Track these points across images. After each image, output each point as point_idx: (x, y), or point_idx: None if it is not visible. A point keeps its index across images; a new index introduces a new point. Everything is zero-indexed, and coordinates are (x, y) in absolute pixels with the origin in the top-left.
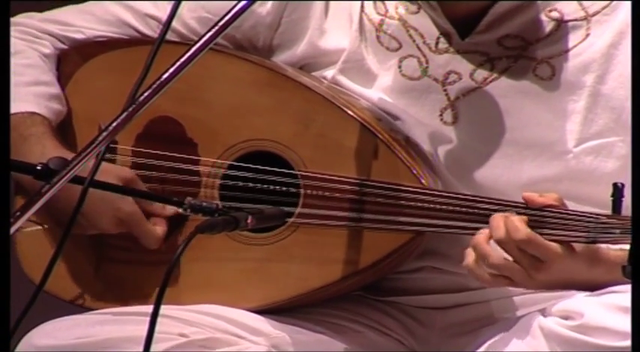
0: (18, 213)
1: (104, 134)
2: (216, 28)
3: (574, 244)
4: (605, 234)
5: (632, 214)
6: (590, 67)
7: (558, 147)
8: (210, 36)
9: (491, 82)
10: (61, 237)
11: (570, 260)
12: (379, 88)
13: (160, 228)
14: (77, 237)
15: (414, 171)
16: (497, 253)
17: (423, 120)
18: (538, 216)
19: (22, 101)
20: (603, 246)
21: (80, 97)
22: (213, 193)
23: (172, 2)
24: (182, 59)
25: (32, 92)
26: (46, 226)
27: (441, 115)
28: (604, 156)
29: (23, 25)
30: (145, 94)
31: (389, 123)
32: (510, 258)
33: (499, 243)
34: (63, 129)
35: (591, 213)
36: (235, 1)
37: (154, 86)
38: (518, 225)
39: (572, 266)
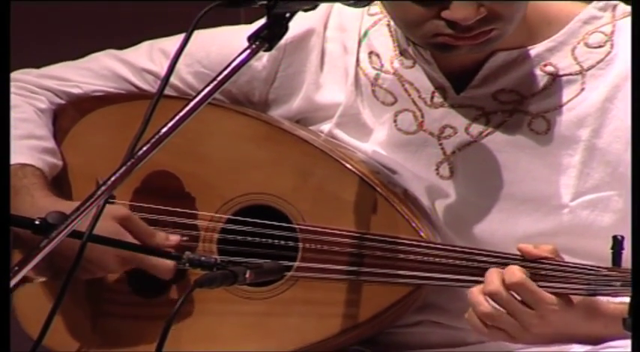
0: (16, 268)
1: (103, 188)
2: (215, 82)
3: (573, 297)
4: (606, 287)
5: (632, 266)
6: (585, 121)
7: (554, 201)
8: (209, 90)
9: (486, 136)
10: (60, 291)
11: (567, 312)
12: (375, 142)
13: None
14: (74, 291)
15: (413, 224)
16: (489, 303)
17: (420, 174)
18: (537, 268)
19: (14, 153)
20: (603, 298)
21: (77, 152)
22: (211, 247)
23: (169, 56)
24: (181, 113)
25: (25, 145)
26: (43, 279)
27: (437, 169)
28: (600, 210)
29: (20, 80)
30: (144, 149)
31: (387, 176)
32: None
33: (492, 295)
34: (59, 183)
35: (592, 266)
36: (232, 55)
37: (153, 140)
38: (514, 269)
39: (569, 318)
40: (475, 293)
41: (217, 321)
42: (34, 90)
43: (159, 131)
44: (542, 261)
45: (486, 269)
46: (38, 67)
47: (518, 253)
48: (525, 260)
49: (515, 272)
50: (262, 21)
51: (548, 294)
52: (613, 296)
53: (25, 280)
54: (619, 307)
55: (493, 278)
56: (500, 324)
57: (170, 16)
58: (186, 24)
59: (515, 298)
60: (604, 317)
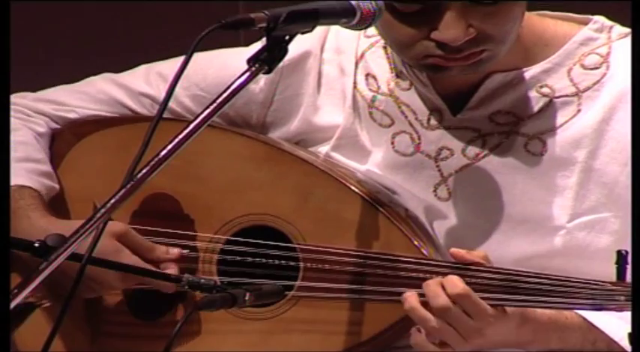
0: (15, 290)
1: (102, 210)
2: (214, 104)
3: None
4: (611, 301)
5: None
6: (581, 142)
7: (551, 222)
8: (209, 113)
9: (483, 158)
10: (60, 312)
11: (502, 321)
12: (373, 163)
13: (171, 271)
14: (73, 312)
15: (415, 243)
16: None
17: (418, 195)
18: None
19: (12, 175)
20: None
21: (73, 176)
22: (211, 269)
23: (166, 80)
24: (180, 136)
25: (23, 167)
26: (48, 304)
27: (435, 191)
28: (597, 232)
29: (17, 104)
30: (143, 171)
31: (387, 196)
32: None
33: (442, 309)
34: (56, 207)
35: (596, 281)
36: (229, 78)
37: (152, 163)
38: (455, 280)
39: (503, 327)
40: (419, 309)
41: (219, 340)
42: (30, 114)
43: (158, 153)
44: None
45: (489, 285)
46: (38, 68)
47: (522, 269)
48: (524, 275)
49: (457, 283)
50: (259, 44)
51: (488, 306)
52: (617, 310)
53: (32, 307)
54: (547, 312)
55: (437, 291)
56: (443, 336)
57: (169, 38)
58: (185, 46)
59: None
60: (532, 322)
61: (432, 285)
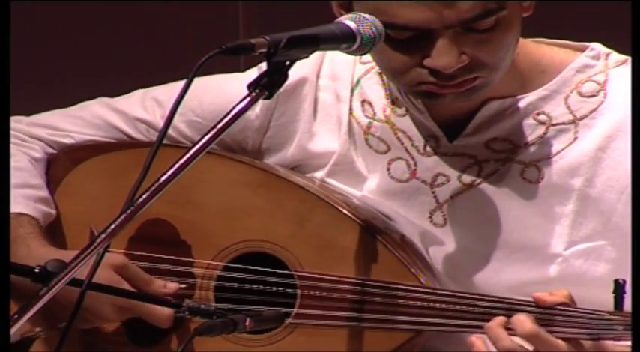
0: (16, 316)
1: (102, 236)
2: (215, 130)
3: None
4: (608, 331)
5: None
6: (578, 170)
7: (548, 250)
8: (209, 138)
9: (479, 184)
10: (59, 340)
11: None
12: (369, 190)
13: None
14: (70, 341)
15: (412, 270)
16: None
17: (414, 221)
18: (542, 313)
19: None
20: (609, 342)
21: (70, 201)
22: (208, 295)
23: (162, 105)
24: (180, 161)
25: (20, 194)
26: (42, 334)
27: (430, 217)
28: (594, 260)
29: (12, 129)
30: (144, 197)
31: (384, 222)
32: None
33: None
34: (53, 232)
35: (594, 310)
36: (225, 104)
37: (153, 188)
38: (523, 319)
39: None
40: (494, 327)
41: None
42: (26, 139)
43: (158, 179)
44: (553, 308)
45: (488, 313)
46: (39, 71)
47: (515, 298)
48: (524, 305)
49: (525, 323)
50: (256, 69)
51: (561, 341)
52: (615, 340)
53: (32, 337)
54: (625, 350)
55: (499, 334)
56: None
57: (169, 63)
58: (185, 70)
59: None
60: None
61: (494, 328)
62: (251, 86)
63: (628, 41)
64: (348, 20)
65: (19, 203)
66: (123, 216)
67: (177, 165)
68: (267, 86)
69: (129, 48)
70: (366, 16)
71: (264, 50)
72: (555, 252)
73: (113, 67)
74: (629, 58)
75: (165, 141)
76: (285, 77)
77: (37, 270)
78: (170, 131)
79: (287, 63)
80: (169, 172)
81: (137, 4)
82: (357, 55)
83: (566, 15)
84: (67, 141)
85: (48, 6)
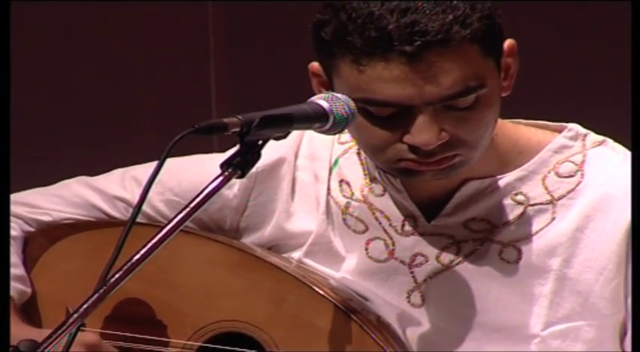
0: None
1: (75, 315)
2: (187, 209)
3: None
4: None
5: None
6: (556, 250)
7: (525, 330)
8: (181, 217)
9: (457, 264)
10: None
11: None
12: (346, 270)
13: None
14: None
15: (388, 351)
16: None
17: (391, 301)
18: None
19: None
20: None
21: (47, 280)
22: None
23: (141, 184)
24: (153, 241)
25: None
26: None
27: (408, 297)
28: (571, 341)
29: None
30: (116, 276)
31: (360, 303)
32: None
33: None
34: (29, 311)
35: None
36: (204, 183)
37: (125, 268)
38: None
39: None
40: None
41: None
42: None
43: (131, 258)
44: None
45: None
46: (38, 72)
47: None
48: None
49: None
50: (235, 148)
51: None
52: None
53: None
54: None
55: None
56: None
57: (138, 62)
58: (158, 151)
59: None
60: None
61: None
62: (224, 165)
63: (628, 41)
64: (321, 100)
65: None
66: (95, 296)
67: (150, 244)
68: (240, 165)
69: (95, 47)
70: (339, 95)
71: (237, 129)
72: (533, 332)
73: (81, 66)
74: (607, 139)
75: (143, 221)
76: (258, 156)
77: (10, 350)
78: (149, 210)
79: (260, 142)
80: (142, 251)
81: (109, 3)
82: (329, 134)
83: (566, 15)
84: (46, 219)
85: None
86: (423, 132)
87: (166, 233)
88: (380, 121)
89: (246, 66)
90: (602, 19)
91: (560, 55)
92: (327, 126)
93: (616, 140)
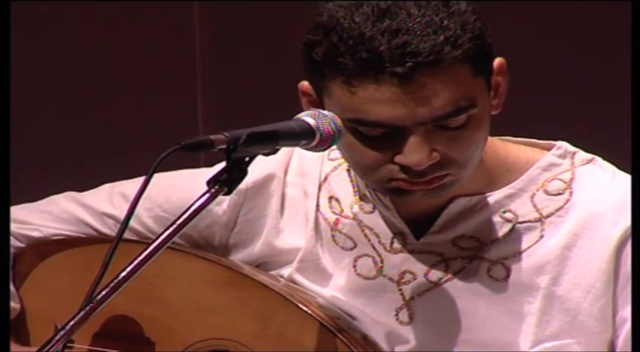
0: None
1: (61, 333)
2: (174, 226)
3: None
4: None
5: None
6: (544, 268)
7: (514, 348)
8: (168, 234)
9: (445, 282)
10: None
11: None
12: (334, 287)
13: None
14: None
15: None
16: None
17: (379, 319)
18: None
19: None
20: None
21: (36, 296)
22: None
23: (129, 200)
24: (140, 257)
25: None
26: None
27: (396, 315)
28: None
29: None
30: (103, 293)
31: (347, 322)
32: None
33: None
34: (18, 328)
35: None
36: (193, 199)
37: (112, 285)
38: None
39: None
40: None
41: None
42: None
43: (118, 275)
44: None
45: None
46: (39, 72)
47: None
48: None
49: None
50: (223, 164)
51: None
52: None
53: None
54: None
55: None
56: None
57: (123, 61)
58: (145, 167)
59: None
60: None
61: None
62: (210, 182)
63: (628, 41)
64: (307, 117)
65: None
66: (82, 313)
67: (136, 261)
68: (226, 182)
69: (82, 46)
70: (325, 112)
71: (224, 146)
72: (521, 350)
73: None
74: (596, 157)
75: (132, 237)
76: (245, 173)
77: None
78: (138, 226)
79: (246, 159)
80: (129, 268)
81: (94, 3)
82: (316, 151)
83: (566, 15)
84: (35, 234)
85: None
86: (414, 153)
87: (153, 250)
88: (371, 141)
89: (233, 67)
90: (602, 19)
91: (554, 67)
92: (314, 143)
93: (609, 153)
